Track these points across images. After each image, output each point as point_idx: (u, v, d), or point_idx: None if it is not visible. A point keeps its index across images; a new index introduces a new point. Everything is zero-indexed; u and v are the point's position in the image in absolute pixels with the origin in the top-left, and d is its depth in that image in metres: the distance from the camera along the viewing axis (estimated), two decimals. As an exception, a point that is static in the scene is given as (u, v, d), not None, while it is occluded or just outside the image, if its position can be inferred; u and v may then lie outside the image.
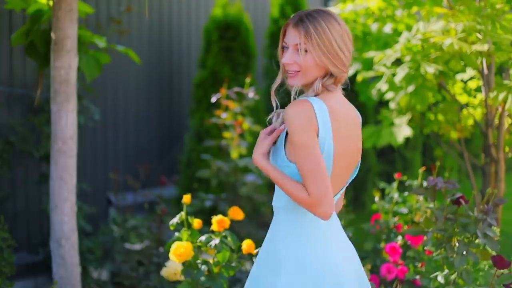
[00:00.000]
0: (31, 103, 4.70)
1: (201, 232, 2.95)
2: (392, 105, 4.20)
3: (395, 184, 4.01)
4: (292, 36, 2.23)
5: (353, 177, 2.39)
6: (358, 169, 2.40)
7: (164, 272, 3.06)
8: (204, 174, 5.08)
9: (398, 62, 4.14)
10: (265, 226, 4.93)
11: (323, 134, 2.18)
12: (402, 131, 4.27)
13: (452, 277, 2.90)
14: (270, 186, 5.36)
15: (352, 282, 2.29)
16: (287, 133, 2.25)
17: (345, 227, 3.50)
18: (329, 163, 2.22)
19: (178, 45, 6.32)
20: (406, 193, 3.97)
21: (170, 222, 2.93)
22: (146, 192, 5.18)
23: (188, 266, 2.85)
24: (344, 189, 2.38)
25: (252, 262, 3.73)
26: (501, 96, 3.52)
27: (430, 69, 3.62)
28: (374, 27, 4.45)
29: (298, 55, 2.22)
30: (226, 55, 5.87)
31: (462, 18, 3.51)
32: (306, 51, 2.21)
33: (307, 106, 2.18)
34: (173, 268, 3.03)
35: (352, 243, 2.44)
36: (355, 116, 2.34)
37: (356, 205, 6.64)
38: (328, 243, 2.29)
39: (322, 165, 2.16)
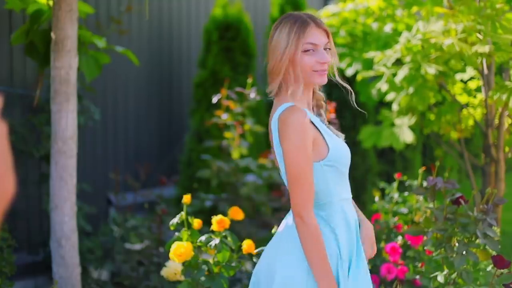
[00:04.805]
0: (31, 103, 4.70)
1: (201, 232, 2.94)
2: (394, 106, 4.19)
3: (395, 184, 4.00)
4: (320, 36, 2.22)
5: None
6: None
7: (164, 272, 3.06)
8: (204, 174, 5.08)
9: (398, 61, 4.13)
10: (265, 226, 4.92)
11: None
12: (404, 134, 4.25)
13: (452, 277, 2.90)
14: (270, 186, 5.36)
15: None
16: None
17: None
18: None
19: (178, 45, 6.31)
20: (406, 193, 3.96)
21: (170, 222, 2.92)
22: (146, 192, 5.17)
23: (188, 266, 2.85)
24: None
25: (252, 262, 3.73)
26: (504, 97, 3.52)
27: (430, 70, 3.61)
28: (374, 26, 4.45)
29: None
30: (226, 55, 5.87)
31: (462, 18, 3.51)
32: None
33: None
34: (173, 268, 3.02)
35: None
36: None
37: (356, 205, 6.60)
38: None
39: None
